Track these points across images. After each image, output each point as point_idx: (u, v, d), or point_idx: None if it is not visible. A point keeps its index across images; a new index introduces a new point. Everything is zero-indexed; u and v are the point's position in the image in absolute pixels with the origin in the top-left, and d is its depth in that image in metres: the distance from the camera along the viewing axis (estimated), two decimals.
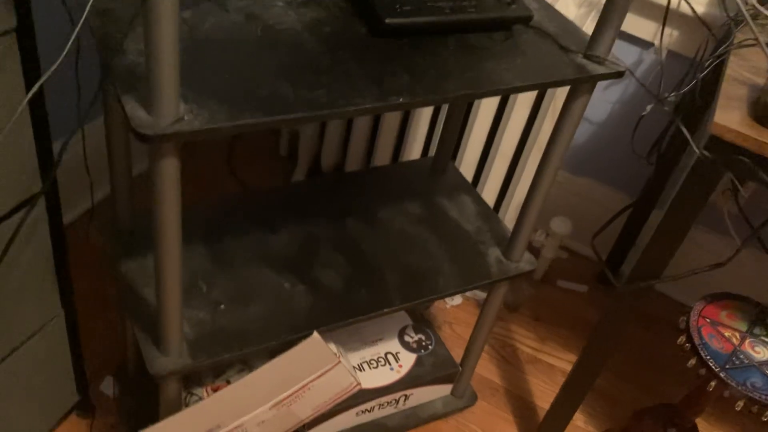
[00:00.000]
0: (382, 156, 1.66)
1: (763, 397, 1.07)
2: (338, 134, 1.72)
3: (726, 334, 1.15)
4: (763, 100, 0.90)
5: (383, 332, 1.37)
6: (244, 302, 1.01)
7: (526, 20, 0.91)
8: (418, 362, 1.34)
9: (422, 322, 1.41)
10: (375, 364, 1.31)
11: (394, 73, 0.81)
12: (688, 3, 1.37)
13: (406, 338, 1.38)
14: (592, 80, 0.91)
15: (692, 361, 1.12)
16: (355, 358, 1.31)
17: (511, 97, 1.43)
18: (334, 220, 1.18)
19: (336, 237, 1.16)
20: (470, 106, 1.48)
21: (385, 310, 1.06)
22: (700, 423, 1.52)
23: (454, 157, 1.54)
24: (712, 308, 1.19)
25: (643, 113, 1.52)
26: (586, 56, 0.92)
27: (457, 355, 1.37)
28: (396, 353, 1.34)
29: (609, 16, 0.88)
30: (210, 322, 0.96)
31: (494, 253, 1.18)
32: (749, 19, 0.98)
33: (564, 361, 1.58)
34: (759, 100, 0.91)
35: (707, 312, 1.18)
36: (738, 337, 1.15)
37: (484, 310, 1.25)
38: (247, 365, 1.14)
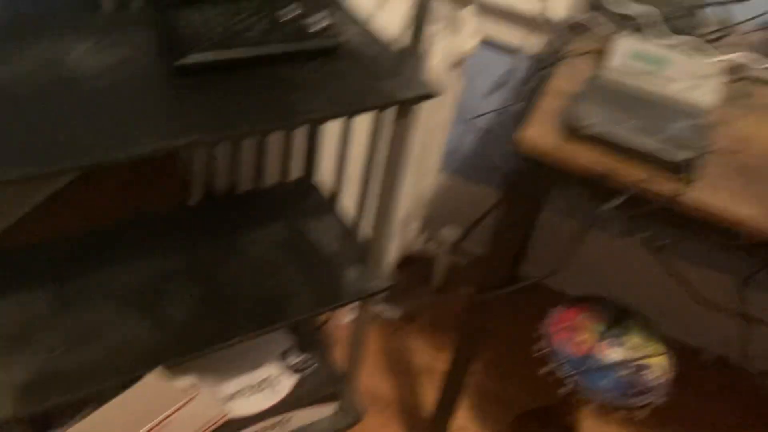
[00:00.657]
0: (273, 175, 1.66)
1: (612, 399, 1.09)
2: (228, 156, 1.72)
3: (582, 337, 1.17)
4: (568, 114, 0.93)
5: (263, 357, 1.37)
6: (84, 343, 1.00)
7: (331, 50, 0.92)
8: (299, 384, 1.34)
9: (309, 342, 1.41)
10: (254, 390, 1.32)
11: (185, 113, 0.81)
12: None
13: (288, 360, 1.38)
14: (400, 104, 0.92)
15: (546, 368, 1.14)
16: (233, 385, 1.31)
17: (382, 115, 1.44)
18: (192, 249, 1.18)
19: (192, 267, 1.16)
20: (348, 124, 1.49)
21: (235, 339, 1.06)
22: (590, 423, 1.54)
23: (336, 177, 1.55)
24: (570, 312, 1.21)
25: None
26: (397, 80, 0.93)
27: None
28: (276, 377, 1.35)
29: (414, 44, 0.89)
30: (41, 370, 0.96)
31: (353, 273, 1.19)
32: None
33: None
34: (565, 114, 0.93)
35: (565, 317, 1.20)
36: (593, 339, 1.17)
37: (355, 328, 1.26)
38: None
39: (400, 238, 1.62)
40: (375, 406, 1.49)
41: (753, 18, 1.28)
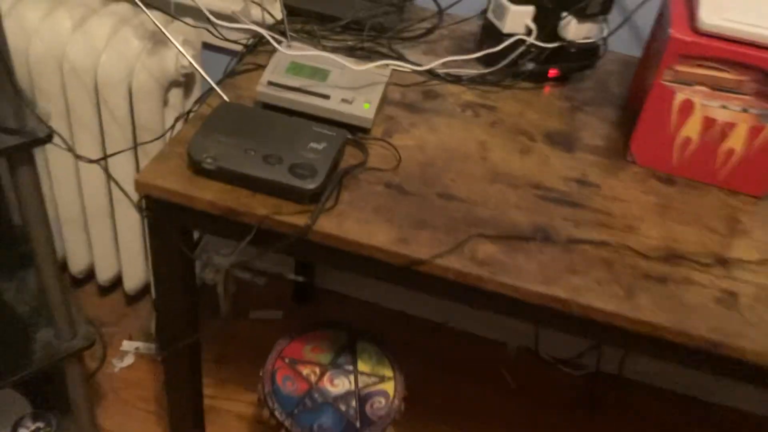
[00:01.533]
0: None
1: None
2: None
3: (304, 372, 1.09)
4: (191, 147, 0.83)
5: None
6: None
7: None
8: None
9: (55, 403, 1.29)
10: None
11: None
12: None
13: (21, 430, 1.25)
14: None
15: (265, 412, 1.06)
16: None
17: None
18: None
19: None
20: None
21: None
22: None
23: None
24: (296, 344, 1.13)
25: None
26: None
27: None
28: None
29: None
30: None
31: (45, 335, 1.08)
32: None
33: (242, 403, 1.51)
34: (189, 147, 0.84)
35: (289, 351, 1.12)
36: (317, 372, 1.09)
37: (70, 390, 1.14)
38: None
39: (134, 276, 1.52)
40: None
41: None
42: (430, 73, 1.09)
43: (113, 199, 1.43)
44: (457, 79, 1.09)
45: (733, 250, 0.86)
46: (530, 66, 1.09)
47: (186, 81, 1.38)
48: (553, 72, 1.11)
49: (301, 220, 0.80)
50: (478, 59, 1.11)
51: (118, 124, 1.29)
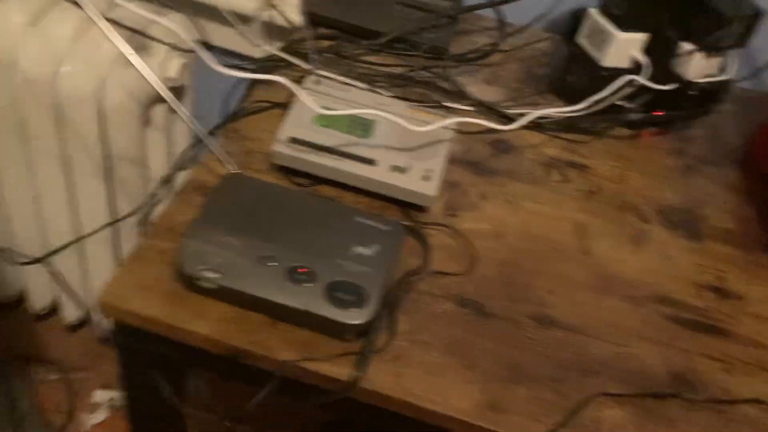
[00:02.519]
0: None
1: None
2: None
3: None
4: (182, 252, 0.57)
5: None
6: None
7: None
8: None
9: None
10: None
11: None
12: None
13: None
14: None
15: None
16: None
17: None
18: None
19: None
20: None
21: None
22: None
23: None
24: None
25: None
26: None
27: None
28: None
29: None
30: None
31: None
32: None
33: None
34: (179, 252, 0.57)
35: None
36: None
37: None
38: None
39: None
40: None
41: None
42: (506, 117, 0.82)
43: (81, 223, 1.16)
44: (536, 125, 0.82)
45: None
46: (634, 110, 0.82)
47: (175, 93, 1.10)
48: (658, 114, 0.84)
49: (341, 369, 0.54)
50: (558, 93, 0.85)
51: (86, 152, 1.01)
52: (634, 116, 0.82)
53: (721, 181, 0.81)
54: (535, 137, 0.81)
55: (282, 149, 0.67)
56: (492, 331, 0.60)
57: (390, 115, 0.67)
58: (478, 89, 0.86)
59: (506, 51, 0.93)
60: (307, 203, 0.62)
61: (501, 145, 0.79)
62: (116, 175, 1.04)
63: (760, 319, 0.66)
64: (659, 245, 0.72)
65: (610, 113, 0.82)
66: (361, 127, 0.69)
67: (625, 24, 0.77)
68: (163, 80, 0.95)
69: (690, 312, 0.65)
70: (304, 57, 0.81)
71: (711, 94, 0.81)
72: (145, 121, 1.03)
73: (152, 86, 0.96)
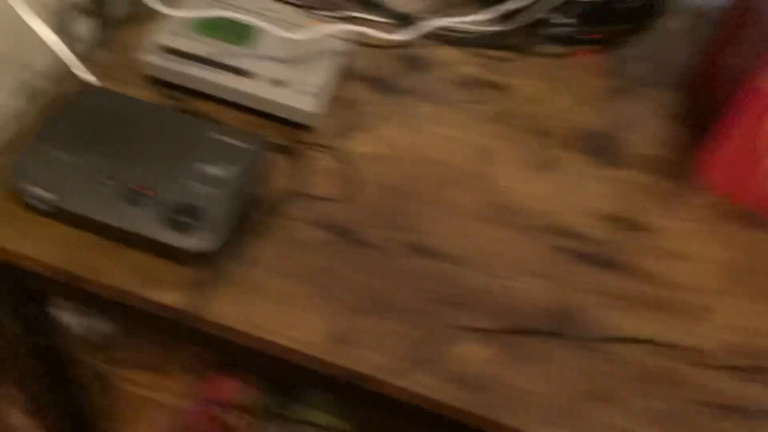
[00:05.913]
0: None
1: None
2: None
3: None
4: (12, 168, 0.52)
5: None
6: None
7: None
8: None
9: None
10: None
11: None
12: None
13: None
14: None
15: None
16: None
17: None
18: None
19: None
20: None
21: None
22: None
23: None
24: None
25: None
26: None
27: None
28: None
29: None
30: None
31: None
32: None
33: None
34: (9, 168, 0.52)
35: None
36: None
37: None
38: None
39: None
40: None
41: None
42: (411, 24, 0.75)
43: None
44: (456, 41, 0.75)
45: None
46: (565, 25, 0.75)
47: None
48: (592, 35, 0.77)
49: (181, 298, 0.50)
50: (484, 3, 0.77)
51: None
52: (564, 32, 0.75)
53: (654, 105, 0.74)
54: (454, 54, 0.74)
55: (151, 59, 0.61)
56: (360, 260, 0.55)
57: (264, 23, 0.60)
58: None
59: None
60: (163, 118, 0.56)
61: (414, 61, 0.73)
62: None
63: (666, 254, 0.60)
64: (569, 172, 0.65)
65: (541, 28, 0.75)
66: (243, 35, 0.63)
67: None
68: None
69: (590, 245, 0.60)
70: None
71: (651, 6, 0.73)
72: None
73: None
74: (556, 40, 0.77)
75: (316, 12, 0.69)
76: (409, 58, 0.73)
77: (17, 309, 0.61)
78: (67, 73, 0.62)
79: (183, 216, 0.50)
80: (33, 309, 0.60)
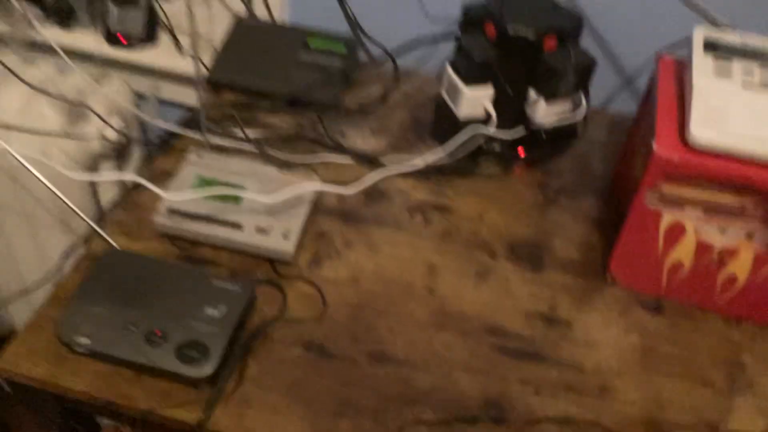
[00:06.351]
0: None
1: None
2: None
3: None
4: (61, 321, 0.68)
5: None
6: None
7: None
8: None
9: None
10: None
11: None
12: None
13: None
14: None
15: None
16: None
17: None
18: None
19: None
20: None
21: None
22: None
23: None
24: None
25: None
26: None
27: None
28: None
29: None
30: None
31: None
32: None
33: None
34: (59, 320, 0.69)
35: None
36: None
37: None
38: None
39: None
40: None
41: None
42: (372, 163, 0.92)
43: None
44: (408, 173, 0.92)
45: (733, 418, 0.70)
46: (496, 151, 0.91)
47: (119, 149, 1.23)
48: (522, 153, 0.93)
49: (191, 414, 0.66)
50: (436, 141, 0.94)
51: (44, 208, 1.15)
52: (495, 158, 0.91)
53: (577, 212, 0.89)
54: (407, 183, 0.91)
55: (162, 220, 0.78)
56: (330, 370, 0.71)
57: (248, 193, 0.78)
58: (363, 141, 0.96)
59: (397, 98, 1.03)
60: (172, 271, 0.73)
61: (374, 192, 0.89)
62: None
63: (579, 344, 0.75)
64: (501, 279, 0.81)
65: (478, 155, 0.92)
66: (232, 195, 0.80)
67: (472, 79, 0.86)
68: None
69: (516, 341, 0.75)
70: (216, 122, 0.93)
71: (562, 134, 0.90)
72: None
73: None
74: (495, 161, 0.93)
75: (291, 165, 0.87)
76: (369, 189, 0.89)
77: (65, 426, 0.76)
78: (93, 235, 0.80)
79: (190, 351, 0.66)
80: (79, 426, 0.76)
